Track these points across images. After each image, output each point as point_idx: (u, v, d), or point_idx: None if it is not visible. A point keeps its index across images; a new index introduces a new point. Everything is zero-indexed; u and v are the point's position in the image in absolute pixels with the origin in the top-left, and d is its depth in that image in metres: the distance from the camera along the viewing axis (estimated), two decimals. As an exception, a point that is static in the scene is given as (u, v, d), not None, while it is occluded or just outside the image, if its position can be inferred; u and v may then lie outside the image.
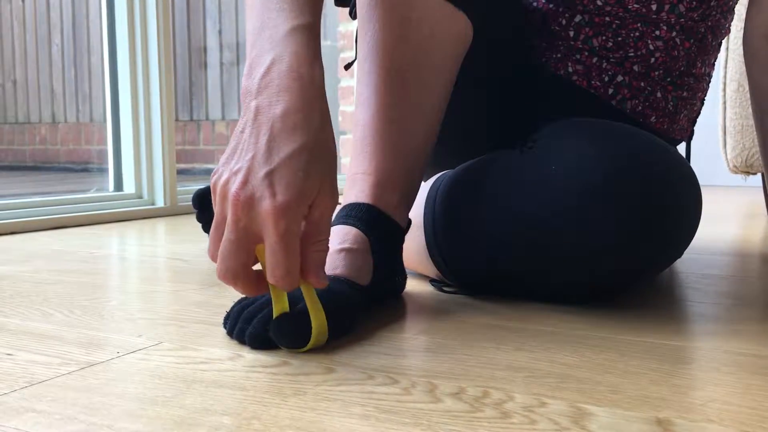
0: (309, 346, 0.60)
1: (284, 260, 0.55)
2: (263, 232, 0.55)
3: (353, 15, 0.81)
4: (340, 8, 1.57)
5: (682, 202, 0.73)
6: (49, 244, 1.29)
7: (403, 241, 0.76)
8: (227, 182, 0.56)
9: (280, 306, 0.61)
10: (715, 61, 0.95)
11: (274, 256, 0.55)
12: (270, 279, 0.56)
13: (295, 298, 0.62)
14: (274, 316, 0.61)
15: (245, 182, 0.55)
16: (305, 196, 0.55)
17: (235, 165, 0.56)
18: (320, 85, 0.58)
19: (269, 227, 0.54)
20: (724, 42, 0.96)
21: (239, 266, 0.57)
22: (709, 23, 0.88)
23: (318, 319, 0.60)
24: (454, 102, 0.79)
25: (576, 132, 0.75)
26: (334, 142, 0.59)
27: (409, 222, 0.77)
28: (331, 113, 0.60)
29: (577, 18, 0.86)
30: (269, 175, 0.55)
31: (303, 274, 0.58)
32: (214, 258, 0.58)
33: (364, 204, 0.72)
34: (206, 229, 1.10)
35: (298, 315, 0.60)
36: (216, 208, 0.57)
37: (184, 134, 4.12)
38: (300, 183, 0.55)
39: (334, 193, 0.58)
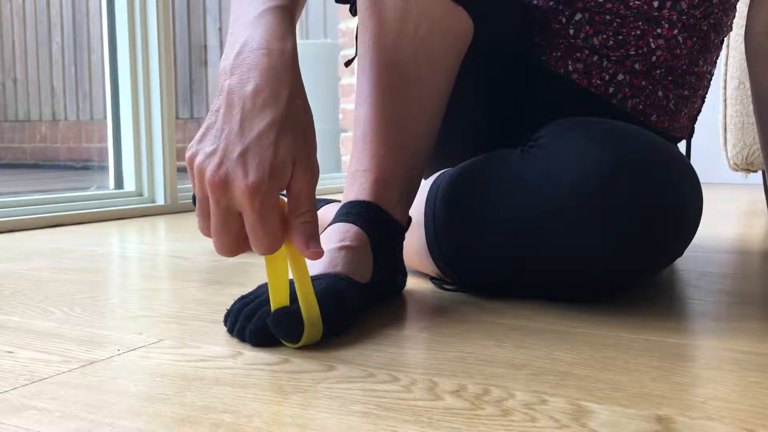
0: (302, 341, 0.60)
1: (263, 236, 0.57)
2: (242, 211, 0.57)
3: (353, 12, 0.81)
4: (340, 5, 1.57)
5: (683, 202, 0.73)
6: (49, 242, 1.29)
7: (403, 238, 0.76)
8: (203, 163, 0.58)
9: (280, 299, 0.61)
10: (717, 58, 0.94)
11: (253, 232, 0.57)
12: (256, 251, 0.58)
13: (294, 294, 0.62)
14: (272, 309, 0.61)
15: (220, 164, 0.57)
16: (277, 172, 0.56)
17: (209, 146, 0.58)
18: (290, 58, 0.60)
19: (245, 206, 0.56)
20: (725, 39, 0.96)
21: (233, 241, 0.59)
22: (711, 20, 0.88)
23: (310, 315, 0.60)
24: (454, 100, 0.78)
25: (577, 131, 0.75)
26: (308, 114, 0.60)
27: (410, 220, 0.77)
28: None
29: (578, 16, 0.86)
30: (242, 156, 0.56)
31: (295, 247, 0.59)
32: (205, 232, 0.60)
33: (364, 201, 0.72)
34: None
35: (296, 309, 0.60)
36: (195, 185, 0.59)
37: (184, 132, 4.12)
38: (270, 160, 0.56)
39: (310, 165, 0.59)
